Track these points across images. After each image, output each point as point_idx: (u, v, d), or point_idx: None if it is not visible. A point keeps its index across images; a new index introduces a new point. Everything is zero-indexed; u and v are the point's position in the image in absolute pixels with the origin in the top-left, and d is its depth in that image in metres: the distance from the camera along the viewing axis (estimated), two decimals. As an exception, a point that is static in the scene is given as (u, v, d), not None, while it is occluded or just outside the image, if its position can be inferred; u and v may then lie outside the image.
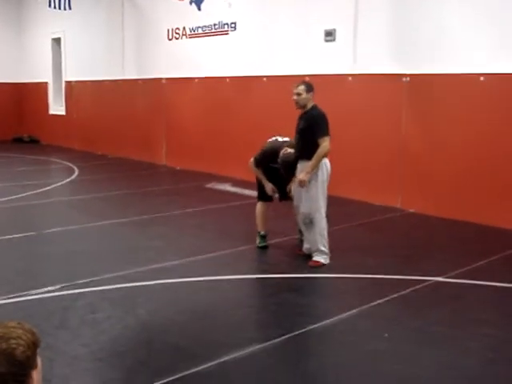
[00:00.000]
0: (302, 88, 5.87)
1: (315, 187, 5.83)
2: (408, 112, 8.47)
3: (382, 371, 3.75)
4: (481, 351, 4.05)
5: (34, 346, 1.77)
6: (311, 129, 5.82)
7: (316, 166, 5.78)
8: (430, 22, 8.10)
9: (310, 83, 6.05)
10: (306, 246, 6.11)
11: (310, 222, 5.89)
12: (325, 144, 5.78)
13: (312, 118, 5.87)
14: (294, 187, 6.13)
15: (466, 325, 4.51)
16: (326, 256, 5.91)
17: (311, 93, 5.94)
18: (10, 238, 6.90)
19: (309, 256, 6.01)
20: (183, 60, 12.52)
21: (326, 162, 5.91)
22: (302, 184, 5.80)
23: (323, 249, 5.90)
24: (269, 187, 6.43)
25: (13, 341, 1.71)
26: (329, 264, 5.89)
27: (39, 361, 1.81)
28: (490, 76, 7.52)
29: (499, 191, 7.55)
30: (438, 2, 8.01)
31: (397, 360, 3.91)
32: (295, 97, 5.89)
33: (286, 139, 6.49)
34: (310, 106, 5.94)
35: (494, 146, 7.57)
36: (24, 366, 1.73)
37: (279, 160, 6.20)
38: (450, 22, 7.88)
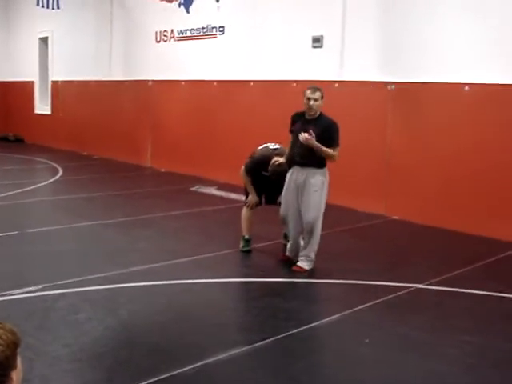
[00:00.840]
0: (318, 94, 5.81)
1: (320, 196, 5.84)
2: (393, 119, 8.53)
3: (364, 376, 3.77)
4: (461, 357, 4.08)
5: (13, 345, 1.76)
6: (327, 136, 5.77)
7: (325, 155, 5.77)
8: (417, 30, 8.16)
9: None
10: (289, 249, 6.11)
11: (312, 230, 5.88)
12: (337, 154, 5.83)
13: (329, 126, 5.84)
14: (282, 196, 6.11)
15: (447, 331, 4.55)
16: (311, 263, 5.92)
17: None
18: (-8, 237, 6.86)
19: (292, 261, 6.03)
20: (171, 62, 12.51)
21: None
22: (306, 139, 5.69)
23: (313, 256, 5.90)
24: (253, 199, 6.47)
25: None
26: (312, 269, 5.91)
27: (19, 361, 1.80)
28: (474, 86, 7.58)
29: (483, 200, 7.61)
30: (425, 11, 8.07)
31: (378, 365, 3.93)
32: (312, 102, 5.79)
33: (277, 146, 6.49)
34: (318, 112, 5.92)
35: (478, 155, 7.64)
36: (3, 367, 1.72)
37: (270, 170, 6.21)
38: (436, 31, 7.94)
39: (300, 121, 5.92)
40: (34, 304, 4.80)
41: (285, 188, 6.01)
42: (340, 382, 3.71)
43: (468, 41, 7.64)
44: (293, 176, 5.92)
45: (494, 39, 7.39)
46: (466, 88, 7.66)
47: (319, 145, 5.67)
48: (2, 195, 9.33)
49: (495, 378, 3.82)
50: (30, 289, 5.07)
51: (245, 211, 6.60)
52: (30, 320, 4.43)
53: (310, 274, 5.81)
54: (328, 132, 5.79)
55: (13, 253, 6.40)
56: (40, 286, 5.14)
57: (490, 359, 4.07)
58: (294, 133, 5.92)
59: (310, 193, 5.79)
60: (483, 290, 5.43)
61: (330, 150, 5.75)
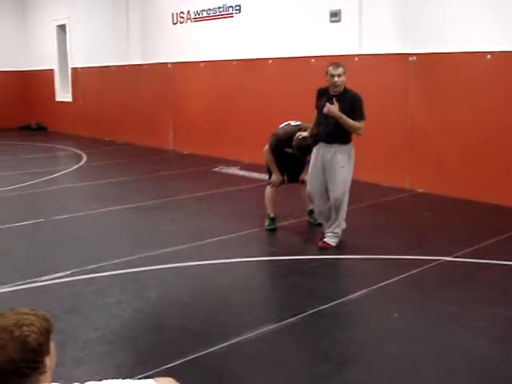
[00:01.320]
0: (341, 70, 5.75)
1: (347, 172, 5.83)
2: (415, 92, 8.43)
3: (393, 351, 3.76)
4: (489, 330, 4.05)
5: (46, 332, 1.78)
6: (352, 109, 5.72)
7: (350, 126, 5.71)
8: (435, 1, 8.04)
9: None
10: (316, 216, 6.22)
11: (339, 207, 5.87)
12: (362, 127, 5.78)
13: (353, 99, 5.78)
14: (309, 173, 6.09)
15: (475, 304, 4.52)
16: (338, 240, 5.92)
17: None
18: (19, 225, 6.94)
19: (318, 225, 6.22)
20: (188, 44, 12.47)
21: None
22: (329, 110, 5.67)
23: (339, 233, 5.92)
24: (277, 178, 6.47)
25: (25, 328, 1.72)
26: (338, 245, 5.90)
27: (52, 346, 1.83)
28: (496, 54, 7.46)
29: (508, 169, 7.52)
30: (443, -21, 7.94)
31: (407, 340, 3.92)
32: (336, 78, 5.72)
33: (298, 123, 6.48)
34: (343, 87, 5.86)
35: (503, 124, 7.53)
36: (37, 353, 1.73)
37: (294, 145, 6.17)
38: (456, 0, 7.81)
39: (325, 96, 5.86)
40: (63, 289, 4.86)
41: (311, 165, 6.00)
42: (368, 357, 3.71)
43: (488, 8, 7.49)
44: (319, 153, 5.90)
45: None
46: (489, 56, 7.54)
47: (342, 114, 5.63)
48: (28, 183, 9.42)
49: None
50: (59, 274, 5.14)
51: (268, 190, 6.60)
52: (60, 305, 4.49)
53: (336, 249, 5.81)
54: (352, 105, 5.73)
55: (40, 240, 6.48)
56: (68, 272, 5.20)
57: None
58: (319, 108, 5.87)
59: (337, 169, 5.77)
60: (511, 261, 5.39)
61: (354, 122, 5.70)
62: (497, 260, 5.41)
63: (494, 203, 7.45)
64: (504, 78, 7.49)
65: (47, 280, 5.03)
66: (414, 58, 8.35)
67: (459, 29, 7.81)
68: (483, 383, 3.40)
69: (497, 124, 7.58)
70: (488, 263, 5.36)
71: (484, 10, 7.54)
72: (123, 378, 3.32)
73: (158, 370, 3.46)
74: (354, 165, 5.92)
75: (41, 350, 1.74)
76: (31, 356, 1.71)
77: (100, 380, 1.90)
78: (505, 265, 5.33)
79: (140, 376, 3.38)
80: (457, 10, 7.81)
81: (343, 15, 9.24)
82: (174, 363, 3.56)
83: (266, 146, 6.48)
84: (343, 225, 5.99)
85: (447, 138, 8.10)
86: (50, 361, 1.80)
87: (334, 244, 5.86)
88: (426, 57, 8.24)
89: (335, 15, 9.33)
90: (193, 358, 3.63)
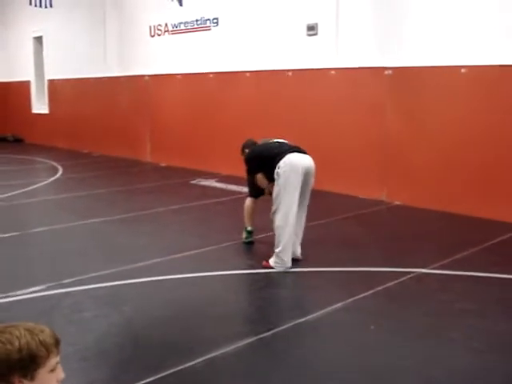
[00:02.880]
0: None
1: (277, 187, 5.64)
2: (391, 105, 8.51)
3: (370, 363, 3.77)
4: (465, 342, 4.08)
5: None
6: None
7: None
8: (411, 15, 8.14)
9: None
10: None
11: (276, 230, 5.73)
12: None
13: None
14: None
15: (451, 316, 4.55)
16: (279, 263, 5.64)
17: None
18: (-6, 238, 6.86)
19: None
20: (166, 56, 12.49)
21: (287, 158, 5.64)
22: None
23: (276, 250, 5.68)
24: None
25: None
26: (315, 258, 5.91)
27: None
28: (470, 67, 7.56)
29: (484, 182, 7.61)
30: (418, -6, 8.05)
31: (384, 352, 3.94)
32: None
33: (282, 140, 6.31)
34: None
35: (477, 137, 7.62)
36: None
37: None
38: (431, 15, 7.91)
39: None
40: (38, 304, 4.81)
41: None
42: (346, 369, 3.71)
43: (464, 23, 7.60)
44: None
45: (490, 21, 7.36)
46: (463, 70, 7.64)
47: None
48: (3, 196, 9.33)
49: (500, 361, 3.81)
50: (35, 289, 5.08)
51: (248, 202, 6.58)
52: (35, 320, 4.39)
53: (313, 262, 5.81)
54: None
55: (16, 253, 6.40)
56: (44, 286, 5.15)
57: (494, 343, 4.07)
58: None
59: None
60: (486, 273, 5.44)
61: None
62: (472, 272, 5.46)
63: (469, 215, 7.53)
64: (478, 91, 7.59)
65: (23, 294, 4.96)
66: (390, 71, 8.43)
67: (434, 43, 7.92)
68: (458, 395, 3.42)
69: (472, 137, 7.66)
70: (463, 275, 5.41)
71: (458, 25, 7.64)
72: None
73: (134, 385, 3.44)
74: (296, 177, 5.59)
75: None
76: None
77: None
78: (479, 276, 5.37)
79: (115, 392, 3.36)
80: (432, 24, 7.91)
81: (320, 29, 9.31)
82: (150, 379, 3.53)
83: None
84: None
85: (423, 150, 8.18)
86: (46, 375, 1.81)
87: (273, 265, 5.65)
88: (401, 70, 8.33)
89: (312, 29, 9.39)
90: (169, 373, 3.60)
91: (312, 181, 5.81)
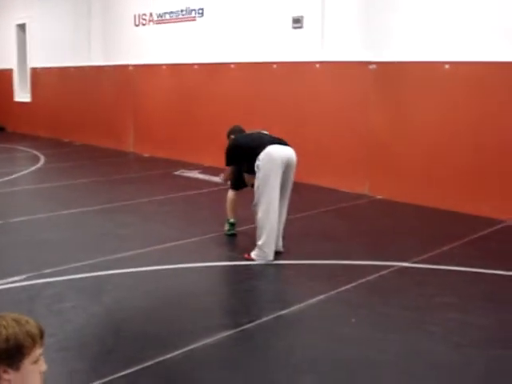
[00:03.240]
0: None
1: (258, 179, 5.66)
2: (375, 98, 8.53)
3: (350, 356, 3.79)
4: (445, 335, 4.12)
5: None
6: None
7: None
8: (397, 10, 8.15)
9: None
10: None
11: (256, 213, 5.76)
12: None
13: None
14: None
15: (431, 309, 4.59)
16: (260, 255, 5.66)
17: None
18: (-26, 227, 6.81)
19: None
20: (150, 46, 12.41)
21: (267, 150, 5.64)
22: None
23: (258, 243, 5.70)
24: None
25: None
26: (297, 250, 5.93)
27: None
28: (454, 63, 7.60)
29: (465, 177, 7.66)
30: (404, -11, 8.06)
31: (364, 345, 3.95)
32: None
33: (265, 132, 6.33)
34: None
35: (459, 133, 7.67)
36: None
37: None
38: (417, 10, 7.93)
39: None
40: (18, 294, 4.78)
41: None
42: (326, 362, 3.72)
43: (448, 19, 7.63)
44: None
45: (475, 17, 7.39)
46: (447, 66, 7.67)
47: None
48: (-16, 185, 9.25)
49: (479, 355, 3.85)
50: (15, 278, 5.05)
51: (230, 194, 6.57)
52: (15, 310, 4.36)
53: (295, 255, 5.83)
54: None
55: (-4, 243, 6.36)
56: (24, 276, 5.12)
57: (474, 337, 4.11)
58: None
59: None
60: (467, 267, 5.48)
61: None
62: (453, 266, 5.50)
63: (451, 210, 7.58)
64: (461, 87, 7.63)
65: (2, 284, 4.93)
66: (375, 65, 8.45)
67: (419, 39, 7.94)
68: (437, 389, 3.45)
69: (455, 131, 7.71)
70: (444, 269, 5.45)
71: (443, 21, 7.67)
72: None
73: (113, 376, 3.43)
74: (276, 169, 5.60)
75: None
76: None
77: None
78: (460, 271, 5.41)
79: (95, 383, 3.35)
80: (417, 20, 7.93)
81: (305, 21, 9.30)
82: (130, 370, 3.52)
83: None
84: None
85: (406, 145, 8.21)
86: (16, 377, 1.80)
87: (255, 258, 5.67)
88: (386, 65, 8.35)
89: (298, 21, 9.38)
90: (149, 365, 3.60)
91: (293, 173, 5.81)
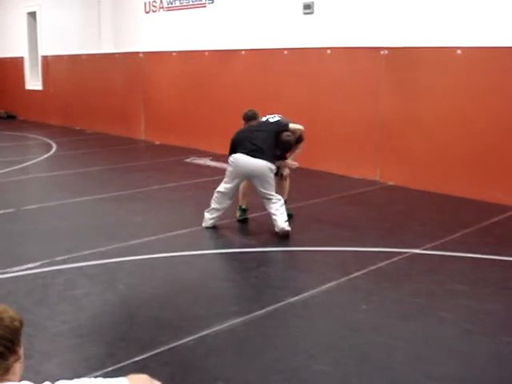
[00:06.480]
0: None
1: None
2: (386, 85, 8.49)
3: (361, 342, 3.80)
4: (456, 322, 4.12)
5: (20, 322, 1.85)
6: None
7: None
8: (408, -6, 8.10)
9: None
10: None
11: None
12: None
13: None
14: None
15: (443, 296, 4.59)
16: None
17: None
18: (-13, 215, 6.86)
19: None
20: (161, 33, 12.40)
21: (237, 156, 6.14)
22: None
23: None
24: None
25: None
26: (309, 237, 5.95)
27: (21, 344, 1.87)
28: (466, 49, 7.54)
29: (477, 163, 7.62)
30: (415, -26, 8.00)
31: (375, 332, 3.97)
32: None
33: (278, 118, 6.44)
34: None
35: (471, 119, 7.62)
36: (14, 334, 1.81)
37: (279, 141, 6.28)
38: (428, -6, 7.88)
39: None
40: (32, 281, 4.83)
41: None
42: (337, 348, 3.74)
43: (460, 4, 7.57)
44: None
45: (487, 2, 7.33)
46: (459, 51, 7.62)
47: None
48: (-3, 173, 9.31)
49: (489, 342, 3.85)
50: (29, 266, 5.10)
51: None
52: (29, 297, 4.46)
53: (306, 241, 5.84)
54: None
55: (9, 230, 6.40)
56: (38, 263, 5.16)
57: (485, 323, 4.11)
58: None
59: None
60: (479, 254, 5.47)
61: None
62: (465, 252, 5.50)
63: (463, 196, 7.56)
64: (473, 73, 7.58)
65: (16, 271, 4.98)
66: (386, 51, 8.40)
67: (431, 24, 7.88)
68: (450, 374, 3.45)
69: (466, 118, 7.67)
70: (456, 256, 5.44)
71: (455, 6, 7.61)
72: (92, 371, 3.33)
73: (128, 362, 3.47)
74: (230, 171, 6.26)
75: (16, 334, 1.80)
76: (8, 336, 1.77)
77: (71, 378, 1.89)
78: (472, 257, 5.41)
79: (110, 368, 3.38)
80: (429, 5, 7.87)
81: (316, 7, 9.25)
82: (144, 355, 3.56)
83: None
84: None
85: (417, 131, 8.18)
86: (21, 352, 1.85)
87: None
88: (397, 50, 8.30)
89: (308, 7, 9.33)
90: (162, 351, 3.63)
91: (262, 179, 6.07)
